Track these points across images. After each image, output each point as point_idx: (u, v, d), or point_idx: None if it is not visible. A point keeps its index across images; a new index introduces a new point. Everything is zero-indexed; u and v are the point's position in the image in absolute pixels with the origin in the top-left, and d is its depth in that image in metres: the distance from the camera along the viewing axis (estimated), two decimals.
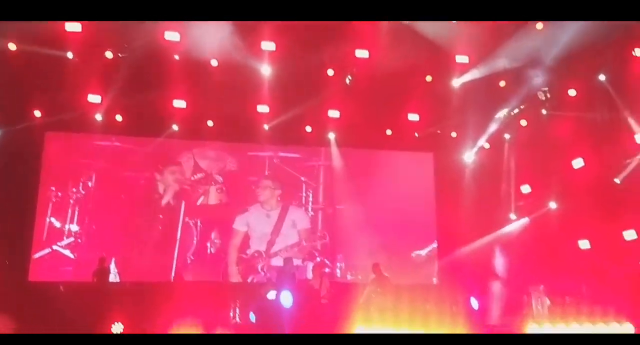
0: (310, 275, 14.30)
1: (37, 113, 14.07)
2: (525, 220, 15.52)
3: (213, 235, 15.29)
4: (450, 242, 15.69)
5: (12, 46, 12.68)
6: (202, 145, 15.69)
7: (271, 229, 15.59)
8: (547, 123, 14.90)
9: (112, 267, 14.01)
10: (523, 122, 15.48)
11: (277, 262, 14.86)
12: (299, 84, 14.10)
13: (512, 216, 15.77)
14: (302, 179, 16.10)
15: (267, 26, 12.58)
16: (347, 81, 14.25)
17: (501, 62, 14.01)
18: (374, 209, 15.83)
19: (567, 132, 14.22)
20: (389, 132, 15.92)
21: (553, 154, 14.66)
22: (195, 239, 15.17)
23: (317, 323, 10.70)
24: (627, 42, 12.83)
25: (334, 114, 14.94)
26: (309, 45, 12.95)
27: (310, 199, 16.10)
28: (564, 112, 14.48)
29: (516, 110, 15.27)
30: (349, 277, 15.61)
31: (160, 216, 15.11)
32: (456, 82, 14.56)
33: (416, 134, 15.96)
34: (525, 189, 15.37)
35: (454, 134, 16.34)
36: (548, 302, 11.49)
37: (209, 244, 15.22)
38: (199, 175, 15.55)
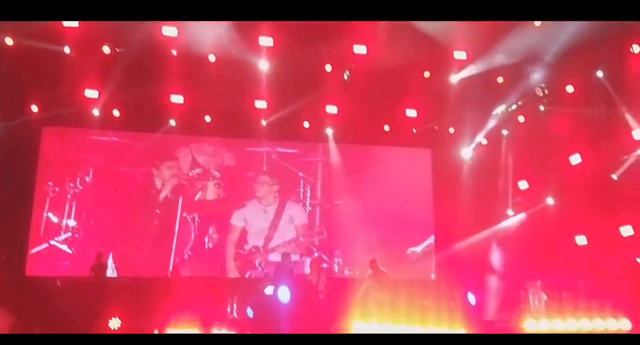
0: (307, 270, 14.32)
1: (34, 108, 14.04)
2: (522, 216, 15.55)
3: (211, 230, 15.29)
4: (448, 237, 15.72)
5: (9, 41, 12.67)
6: (199, 140, 15.68)
7: (268, 225, 15.60)
8: (545, 119, 14.89)
9: (110, 262, 14.01)
10: (521, 118, 15.48)
11: (275, 257, 14.88)
12: (296, 79, 14.10)
13: (510, 212, 15.79)
14: (300, 174, 16.11)
15: (265, 22, 12.55)
16: (345, 77, 14.24)
17: (499, 58, 14.03)
18: (371, 204, 15.86)
19: (565, 128, 14.23)
20: (386, 127, 15.92)
21: (550, 150, 14.67)
22: (192, 234, 15.17)
23: (315, 318, 10.72)
24: (624, 39, 12.83)
25: (331, 109, 14.95)
26: (307, 41, 12.93)
27: (308, 194, 16.10)
28: (561, 109, 14.48)
29: (514, 107, 15.27)
30: (346, 272, 15.63)
31: (158, 211, 15.11)
32: (454, 78, 14.59)
33: (414, 130, 15.97)
34: (523, 184, 15.38)
35: (451, 130, 16.35)
36: (545, 297, 11.50)
37: (206, 239, 15.23)
38: (197, 171, 15.55)
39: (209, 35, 12.75)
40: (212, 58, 13.54)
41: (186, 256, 14.99)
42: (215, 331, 11.05)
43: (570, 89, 14.26)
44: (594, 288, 11.77)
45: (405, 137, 15.94)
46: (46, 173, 14.58)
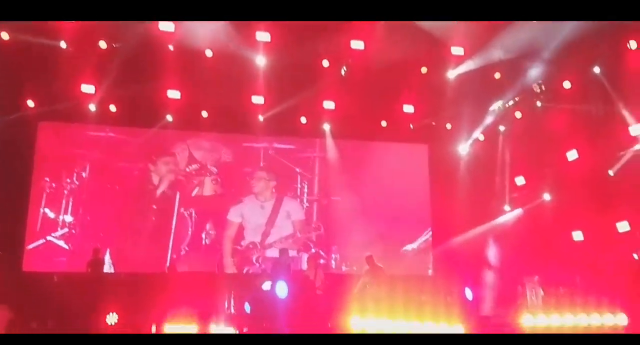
0: (305, 266, 14.31)
1: (30, 103, 13.97)
2: (519, 212, 15.57)
3: (208, 226, 15.27)
4: (445, 233, 15.74)
5: (5, 35, 12.59)
6: (196, 136, 15.64)
7: (265, 220, 15.59)
8: (542, 115, 14.94)
9: (107, 257, 13.97)
10: (518, 114, 15.51)
11: (272, 253, 14.88)
12: (293, 74, 14.07)
13: (507, 208, 15.82)
14: (297, 170, 16.10)
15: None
16: (342, 72, 14.22)
17: (496, 54, 14.01)
18: (368, 200, 15.87)
19: (562, 124, 14.26)
20: (384, 123, 15.90)
21: (547, 146, 14.71)
22: (190, 230, 15.15)
23: (312, 313, 10.73)
24: (621, 35, 12.84)
25: (329, 105, 14.93)
26: (304, 36, 12.89)
27: (306, 190, 16.10)
28: (558, 105, 14.52)
29: (511, 102, 15.29)
30: (344, 268, 15.63)
31: (154, 207, 15.09)
32: (451, 74, 14.58)
33: (411, 126, 15.97)
34: (520, 180, 15.41)
35: (448, 126, 16.36)
36: (542, 292, 11.54)
37: (204, 235, 15.20)
38: (194, 167, 15.51)
39: (206, 31, 12.72)
40: (209, 53, 13.50)
41: (183, 252, 14.97)
42: (212, 326, 11.06)
43: (567, 85, 14.31)
44: (591, 283, 11.81)
45: (403, 132, 15.94)
46: (43, 168, 14.53)
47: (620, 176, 13.49)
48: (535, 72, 14.56)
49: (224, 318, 11.58)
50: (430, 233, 16.26)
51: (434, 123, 16.18)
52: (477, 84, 14.73)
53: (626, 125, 13.30)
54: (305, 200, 16.09)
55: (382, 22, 12.55)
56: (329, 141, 16.16)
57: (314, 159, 16.24)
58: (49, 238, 14.26)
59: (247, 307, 11.71)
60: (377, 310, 9.98)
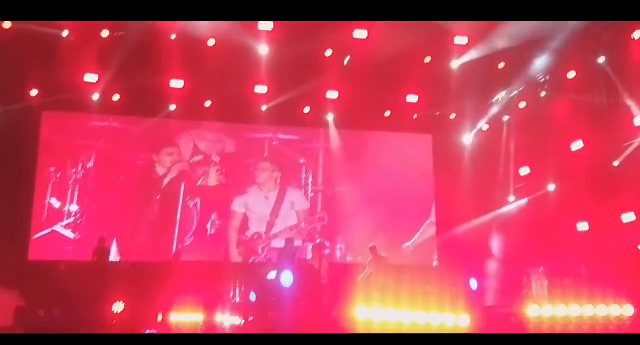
0: (310, 256, 14.33)
1: (34, 92, 13.95)
2: (523, 202, 15.54)
3: (213, 216, 15.28)
4: (449, 223, 15.73)
5: (7, 25, 12.51)
6: (200, 126, 15.61)
7: (270, 211, 15.60)
8: (546, 105, 14.88)
9: (113, 246, 13.99)
10: (522, 104, 15.45)
11: (278, 244, 14.88)
12: (297, 64, 14.01)
13: (511, 198, 15.79)
14: (302, 160, 16.08)
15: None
16: (346, 62, 14.15)
17: (500, 44, 13.93)
18: (372, 190, 15.83)
19: (566, 114, 14.20)
20: (387, 113, 15.88)
21: (552, 136, 14.63)
22: (195, 219, 15.16)
23: (317, 303, 10.77)
24: (626, 25, 12.76)
25: (332, 95, 14.90)
26: (307, 25, 12.77)
27: (310, 180, 16.08)
28: (563, 95, 14.43)
29: (515, 93, 15.23)
30: (348, 258, 15.64)
31: (158, 197, 15.09)
32: (455, 64, 14.50)
33: (415, 116, 15.93)
34: (524, 171, 15.37)
35: (452, 116, 16.32)
36: (547, 283, 11.53)
37: (209, 226, 15.21)
38: (198, 158, 15.50)
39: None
40: (211, 42, 13.42)
41: (189, 242, 14.98)
42: (218, 315, 11.11)
43: (571, 75, 14.21)
44: (596, 274, 11.80)
45: (407, 122, 15.92)
46: (47, 158, 14.54)
47: (625, 167, 13.41)
48: (539, 62, 14.48)
49: (230, 307, 11.65)
50: (428, 223, 16.21)
51: (438, 113, 16.15)
52: (481, 74, 14.66)
53: (631, 115, 13.21)
54: (309, 191, 16.07)
55: None
56: (333, 131, 16.12)
57: (317, 150, 16.22)
58: (55, 228, 14.29)
59: (253, 296, 11.74)
60: (383, 300, 9.98)
